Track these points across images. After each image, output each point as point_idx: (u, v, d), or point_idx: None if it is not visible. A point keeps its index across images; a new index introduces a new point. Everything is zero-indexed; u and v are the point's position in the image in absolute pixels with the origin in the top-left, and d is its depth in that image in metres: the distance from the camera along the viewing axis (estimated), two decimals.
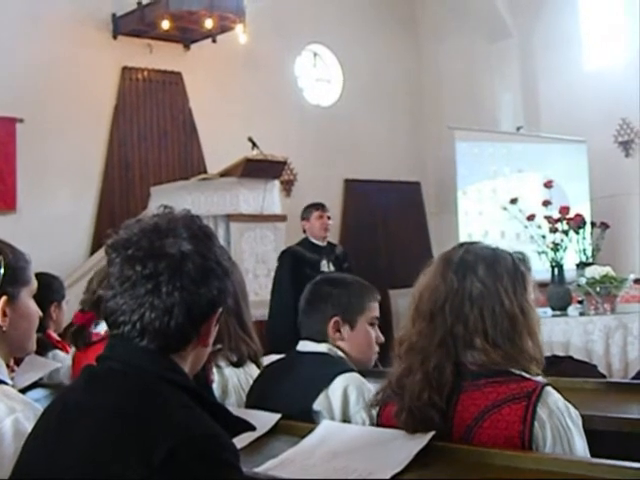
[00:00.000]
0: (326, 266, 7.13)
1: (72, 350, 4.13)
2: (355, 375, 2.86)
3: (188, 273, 1.69)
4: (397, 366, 2.33)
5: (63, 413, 1.72)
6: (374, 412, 2.58)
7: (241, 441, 1.85)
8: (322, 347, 2.98)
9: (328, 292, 3.07)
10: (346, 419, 2.76)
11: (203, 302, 1.72)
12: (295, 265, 7.08)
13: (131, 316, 1.69)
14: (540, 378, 2.24)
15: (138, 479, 1.49)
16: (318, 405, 2.78)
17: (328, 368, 2.88)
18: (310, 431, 2.45)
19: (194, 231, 1.76)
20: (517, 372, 2.21)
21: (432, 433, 2.18)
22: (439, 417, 2.19)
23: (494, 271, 2.30)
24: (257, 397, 3.01)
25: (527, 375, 2.21)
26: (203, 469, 1.51)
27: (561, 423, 2.13)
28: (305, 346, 3.03)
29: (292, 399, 2.82)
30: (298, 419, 2.69)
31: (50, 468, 1.65)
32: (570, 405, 2.18)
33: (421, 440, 2.16)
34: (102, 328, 3.83)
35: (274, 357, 3.27)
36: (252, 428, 1.80)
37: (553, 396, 2.16)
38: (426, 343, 2.25)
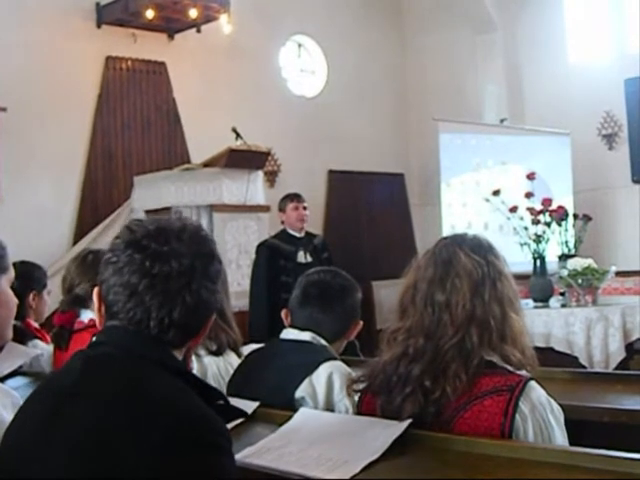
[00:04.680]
0: (303, 257, 7.14)
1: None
2: (339, 363, 2.88)
3: (207, 274, 1.79)
4: (390, 353, 2.33)
5: (58, 397, 1.73)
6: (355, 399, 2.60)
7: None
8: (305, 335, 2.98)
9: (347, 293, 3.09)
10: (329, 406, 2.78)
11: (212, 303, 1.82)
12: (270, 257, 7.11)
13: (134, 311, 1.74)
14: (524, 372, 2.24)
15: (135, 462, 1.53)
16: (302, 392, 2.79)
17: (312, 355, 2.90)
18: (288, 419, 2.46)
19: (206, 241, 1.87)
20: (502, 364, 2.22)
21: (409, 421, 2.19)
22: (430, 405, 2.20)
23: (499, 257, 2.35)
24: (240, 384, 3.01)
25: (511, 368, 2.22)
26: (198, 452, 1.56)
27: (543, 418, 2.14)
28: (288, 334, 3.04)
29: (276, 386, 2.84)
30: (281, 406, 2.70)
31: (45, 454, 1.65)
32: (553, 401, 2.19)
33: (398, 428, 2.17)
34: (86, 317, 3.81)
35: (254, 346, 3.27)
36: (244, 414, 1.89)
37: (536, 391, 2.17)
38: (443, 331, 2.24)
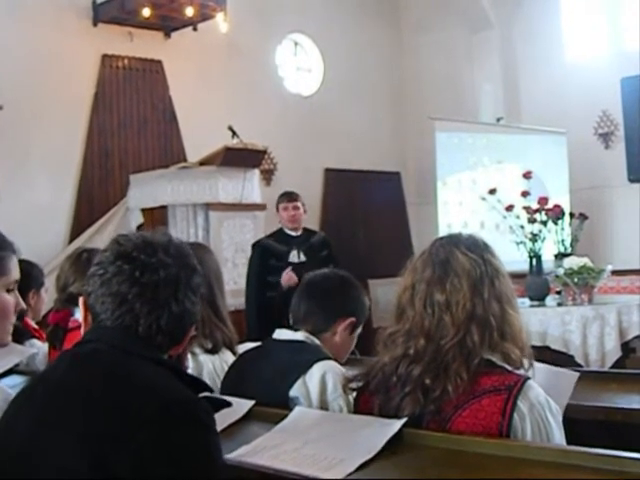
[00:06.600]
0: (296, 257, 7.10)
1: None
2: (333, 363, 2.87)
3: (191, 285, 1.89)
4: (389, 355, 2.33)
5: (46, 394, 1.76)
6: (351, 398, 2.60)
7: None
8: (299, 335, 2.97)
9: (344, 290, 3.08)
10: (323, 406, 2.77)
11: (194, 314, 1.92)
12: (262, 257, 7.11)
13: (123, 315, 1.82)
14: (522, 372, 2.25)
15: (128, 441, 1.59)
16: (295, 391, 2.79)
17: (306, 355, 2.88)
18: (284, 417, 2.46)
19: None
20: (500, 364, 2.22)
21: (404, 420, 2.19)
22: (430, 403, 2.20)
23: (495, 255, 2.37)
24: (233, 383, 3.00)
25: (510, 368, 2.22)
26: (189, 430, 1.65)
27: (541, 417, 2.13)
28: (281, 334, 3.03)
29: (269, 385, 2.83)
30: (274, 405, 2.69)
31: (41, 448, 1.68)
32: (551, 400, 2.19)
33: (393, 427, 2.17)
34: (80, 315, 3.81)
35: (250, 345, 3.27)
36: (228, 405, 1.95)
37: (535, 390, 2.16)
38: (444, 331, 2.24)
